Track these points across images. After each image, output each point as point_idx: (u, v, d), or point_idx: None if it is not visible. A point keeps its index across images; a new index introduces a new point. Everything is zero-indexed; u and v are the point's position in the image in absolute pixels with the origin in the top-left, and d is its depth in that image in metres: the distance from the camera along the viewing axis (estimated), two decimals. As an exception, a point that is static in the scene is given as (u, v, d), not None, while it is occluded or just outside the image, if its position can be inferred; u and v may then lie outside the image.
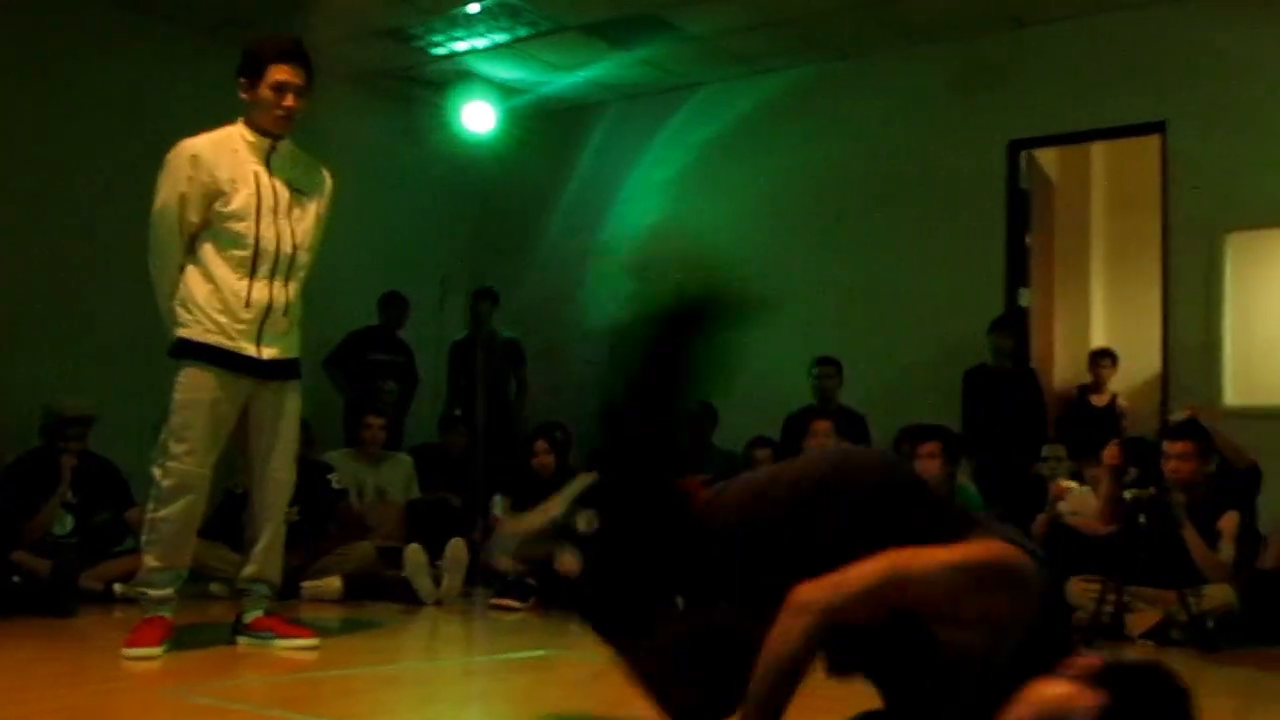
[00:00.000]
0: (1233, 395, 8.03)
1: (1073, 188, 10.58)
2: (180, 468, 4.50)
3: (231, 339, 4.55)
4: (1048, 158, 9.77)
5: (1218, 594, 5.80)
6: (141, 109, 8.26)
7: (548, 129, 10.82)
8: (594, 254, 10.53)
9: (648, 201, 10.39)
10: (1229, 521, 6.10)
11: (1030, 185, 9.15)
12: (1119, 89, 8.46)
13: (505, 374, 9.72)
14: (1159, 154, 8.39)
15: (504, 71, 9.88)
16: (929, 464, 6.74)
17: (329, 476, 7.36)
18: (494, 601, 6.77)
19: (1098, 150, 10.52)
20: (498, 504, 7.57)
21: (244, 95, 4.65)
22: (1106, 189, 10.88)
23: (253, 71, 4.62)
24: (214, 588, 6.52)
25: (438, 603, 6.77)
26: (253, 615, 4.80)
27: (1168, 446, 6.23)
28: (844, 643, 2.58)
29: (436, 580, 6.84)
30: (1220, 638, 5.60)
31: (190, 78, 8.18)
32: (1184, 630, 5.73)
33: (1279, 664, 5.43)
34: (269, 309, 4.63)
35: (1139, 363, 9.42)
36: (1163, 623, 5.83)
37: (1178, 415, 7.00)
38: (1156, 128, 8.36)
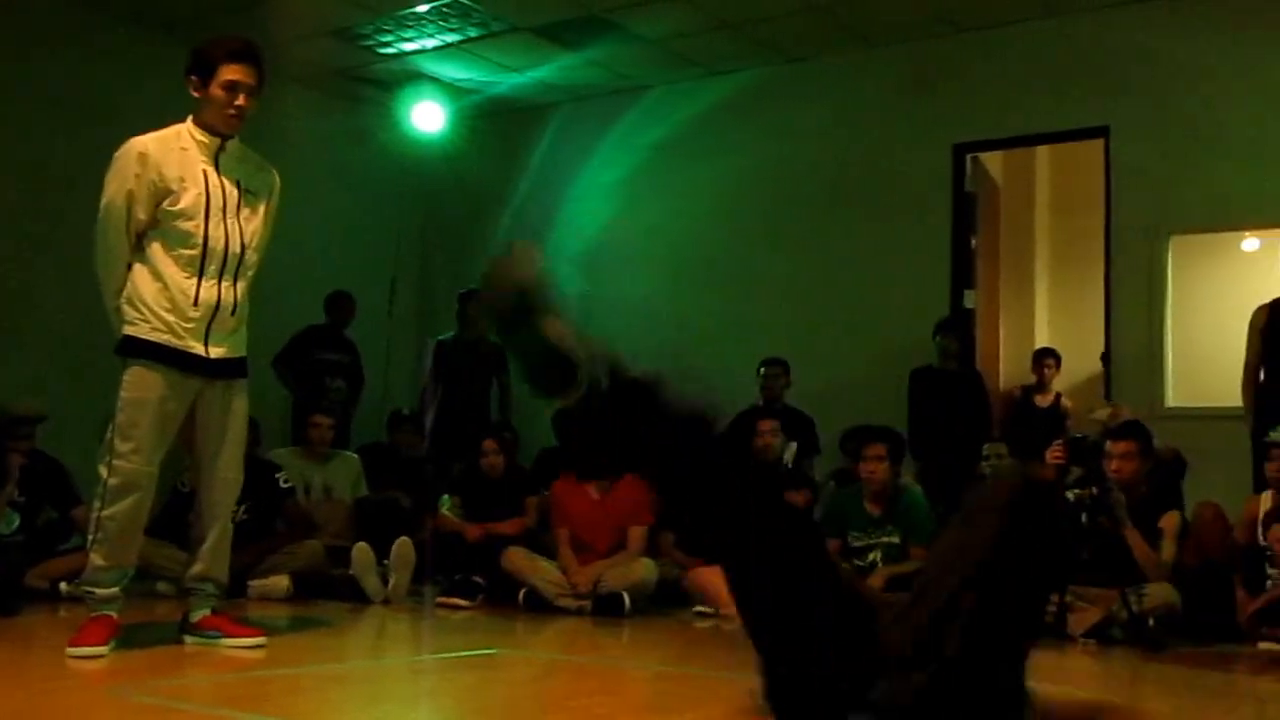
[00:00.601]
0: (1174, 396, 8.15)
1: (1017, 191, 10.69)
2: (126, 466, 4.47)
3: (179, 337, 4.53)
4: (993, 161, 9.87)
5: (1159, 593, 5.86)
6: (98, 107, 8.22)
7: (497, 129, 10.84)
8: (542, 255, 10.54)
9: (597, 202, 10.43)
10: (1170, 521, 6.19)
11: (975, 188, 9.24)
12: (1063, 94, 8.57)
13: (487, 378, 9.72)
14: (1102, 158, 8.51)
15: (454, 72, 9.89)
16: (876, 466, 6.79)
17: (277, 475, 7.34)
18: (441, 600, 6.79)
19: (1042, 154, 10.65)
20: (446, 503, 7.57)
21: (195, 94, 4.63)
22: (1051, 192, 11.01)
23: (204, 70, 4.60)
24: (161, 586, 6.48)
25: (385, 601, 6.77)
26: (200, 614, 4.77)
27: (1111, 446, 6.29)
28: None
29: (384, 579, 6.84)
30: (1161, 636, 5.67)
31: (147, 76, 8.12)
32: (1125, 629, 5.78)
33: (1218, 662, 5.49)
34: (217, 308, 4.61)
35: (1082, 363, 9.55)
36: (1104, 621, 5.86)
37: (1098, 414, 7.09)
38: (1100, 132, 8.48)
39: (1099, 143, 8.53)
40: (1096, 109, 8.44)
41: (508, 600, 6.78)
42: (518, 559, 6.88)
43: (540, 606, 6.69)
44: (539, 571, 6.79)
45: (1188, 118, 8.12)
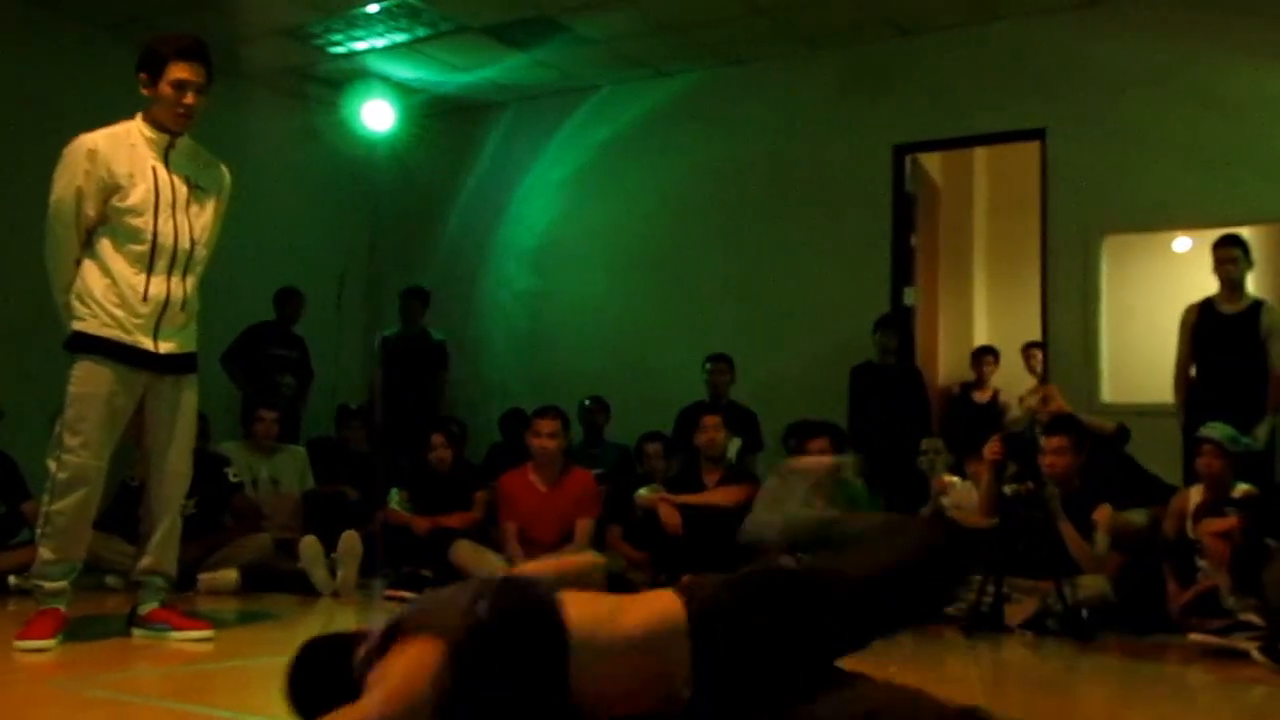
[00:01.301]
0: (1109, 393, 8.28)
1: (956, 191, 10.83)
2: (75, 460, 4.50)
3: (128, 333, 4.56)
4: (932, 162, 9.99)
5: (1092, 584, 5.99)
6: (42, 104, 8.19)
7: (446, 128, 10.86)
8: (491, 253, 10.61)
9: (545, 201, 10.49)
10: (1103, 514, 6.29)
11: (915, 188, 9.34)
12: (1001, 97, 8.69)
13: (432, 373, 9.78)
14: (1039, 159, 8.63)
15: (403, 71, 9.91)
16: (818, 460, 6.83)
17: (226, 469, 7.37)
18: (389, 593, 6.82)
19: (980, 155, 10.79)
20: (394, 497, 7.61)
21: (144, 91, 4.65)
22: (989, 193, 11.16)
23: (154, 68, 4.62)
24: (109, 580, 6.50)
25: (334, 594, 6.81)
26: (148, 607, 4.81)
27: (1044, 442, 6.41)
28: None
29: (332, 571, 6.89)
30: (1094, 627, 5.79)
31: (97, 74, 8.11)
32: (1059, 620, 5.90)
33: (1150, 652, 5.58)
34: (166, 303, 4.64)
35: (1020, 361, 9.69)
36: (1039, 613, 5.96)
37: (1028, 400, 7.19)
38: (1036, 134, 8.61)
39: (1036, 145, 8.65)
40: (1033, 112, 8.56)
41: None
42: (466, 552, 6.94)
43: (487, 600, 6.71)
44: (487, 564, 6.82)
45: (1122, 121, 8.25)
